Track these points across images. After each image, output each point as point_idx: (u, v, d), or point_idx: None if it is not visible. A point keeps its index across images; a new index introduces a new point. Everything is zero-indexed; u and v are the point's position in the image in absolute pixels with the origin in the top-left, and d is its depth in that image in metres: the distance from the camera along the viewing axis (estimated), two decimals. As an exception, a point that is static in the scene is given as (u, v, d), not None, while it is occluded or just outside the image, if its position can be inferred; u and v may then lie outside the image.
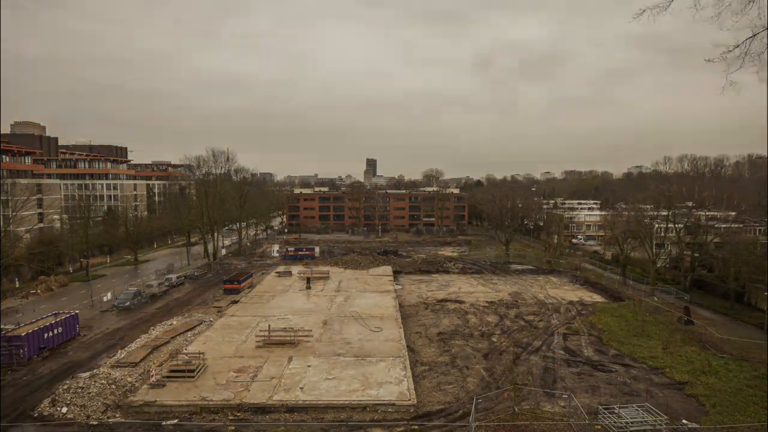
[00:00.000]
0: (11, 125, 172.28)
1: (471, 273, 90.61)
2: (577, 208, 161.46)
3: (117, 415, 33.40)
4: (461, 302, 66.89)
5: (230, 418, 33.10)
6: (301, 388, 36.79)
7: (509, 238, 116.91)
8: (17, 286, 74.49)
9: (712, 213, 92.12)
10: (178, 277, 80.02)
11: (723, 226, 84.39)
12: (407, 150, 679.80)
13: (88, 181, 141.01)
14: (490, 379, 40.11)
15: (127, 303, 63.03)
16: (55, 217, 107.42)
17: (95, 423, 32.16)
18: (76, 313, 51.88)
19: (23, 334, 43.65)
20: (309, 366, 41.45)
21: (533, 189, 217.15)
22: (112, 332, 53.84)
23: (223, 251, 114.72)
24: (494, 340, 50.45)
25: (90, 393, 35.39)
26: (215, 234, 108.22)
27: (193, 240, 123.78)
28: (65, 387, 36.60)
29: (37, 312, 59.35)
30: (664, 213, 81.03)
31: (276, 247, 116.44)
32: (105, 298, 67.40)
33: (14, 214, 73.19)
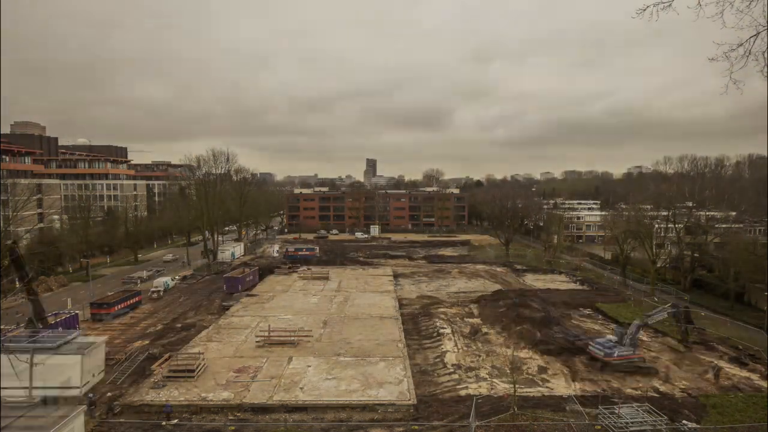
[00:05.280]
0: (11, 125, 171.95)
1: (471, 273, 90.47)
2: (577, 208, 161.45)
3: (117, 415, 33.37)
4: (461, 302, 66.84)
5: (230, 418, 33.10)
6: (301, 388, 36.79)
7: (509, 238, 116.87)
8: (17, 286, 74.37)
9: (712, 213, 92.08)
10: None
11: (723, 226, 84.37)
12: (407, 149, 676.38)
13: (88, 181, 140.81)
14: (490, 379, 40.08)
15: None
16: (55, 217, 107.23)
17: (95, 423, 32.14)
18: (76, 314, 51.96)
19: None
20: (309, 366, 41.47)
21: (533, 189, 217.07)
22: (112, 332, 53.80)
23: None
24: (494, 339, 50.43)
25: (89, 393, 35.31)
26: (215, 234, 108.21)
27: (193, 240, 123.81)
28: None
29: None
30: (664, 213, 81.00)
31: (276, 247, 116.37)
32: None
33: (14, 214, 73.08)
